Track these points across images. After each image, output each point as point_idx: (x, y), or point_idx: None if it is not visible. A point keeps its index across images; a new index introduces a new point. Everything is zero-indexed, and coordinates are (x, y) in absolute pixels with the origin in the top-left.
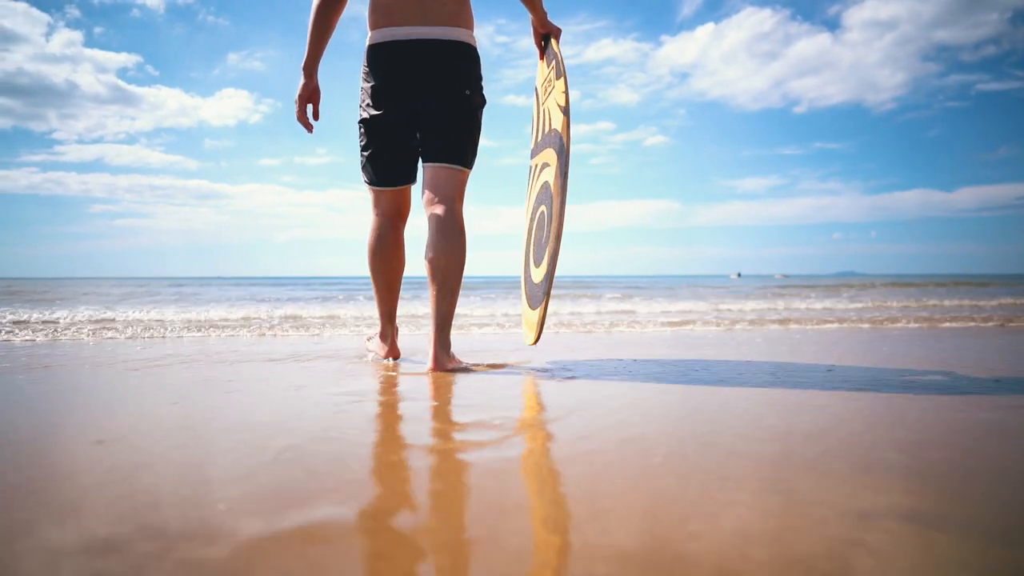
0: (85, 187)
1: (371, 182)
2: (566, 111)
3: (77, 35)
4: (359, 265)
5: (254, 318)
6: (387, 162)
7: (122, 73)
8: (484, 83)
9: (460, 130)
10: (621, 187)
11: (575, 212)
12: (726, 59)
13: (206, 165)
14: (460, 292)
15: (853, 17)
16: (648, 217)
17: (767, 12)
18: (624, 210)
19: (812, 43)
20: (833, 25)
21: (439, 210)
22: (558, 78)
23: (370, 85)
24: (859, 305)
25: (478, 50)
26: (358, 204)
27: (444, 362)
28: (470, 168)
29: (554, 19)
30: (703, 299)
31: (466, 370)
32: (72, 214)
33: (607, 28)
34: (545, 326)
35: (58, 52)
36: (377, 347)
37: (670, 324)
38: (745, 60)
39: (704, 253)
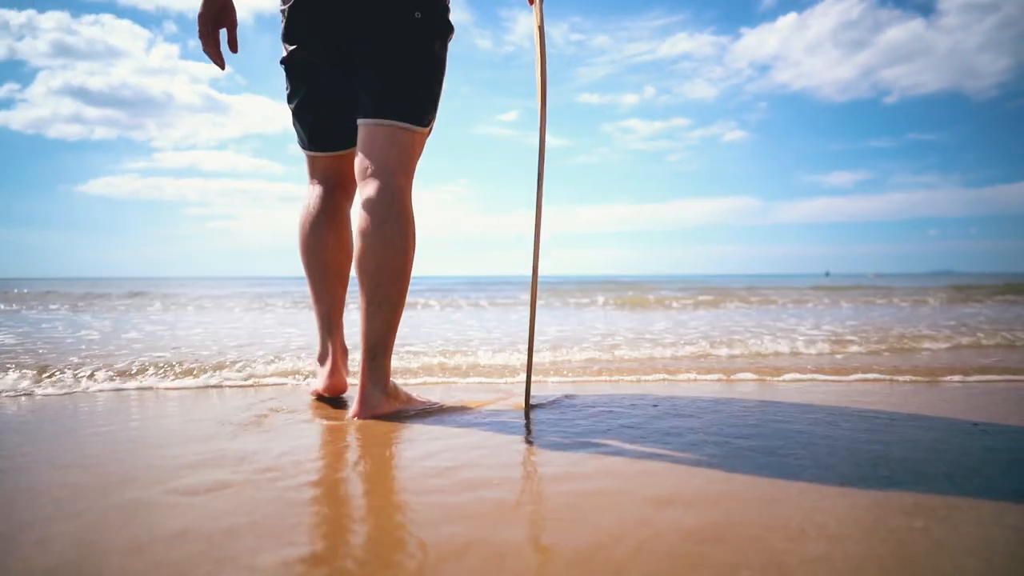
0: (180, 192)
1: (301, 144)
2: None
3: (174, 48)
4: (433, 267)
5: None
6: (320, 117)
7: (214, 83)
8: (451, 4)
9: (405, 70)
10: (698, 184)
11: (648, 211)
12: (810, 49)
13: (290, 169)
14: (406, 305)
15: (949, 1)
16: (727, 215)
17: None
18: (701, 208)
19: (904, 29)
20: (927, 10)
21: (371, 188)
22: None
23: (286, 6)
24: None
25: None
26: (435, 203)
27: (376, 404)
28: (424, 127)
29: (630, 14)
30: (806, 310)
31: (412, 414)
32: (168, 217)
33: (683, 22)
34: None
35: (157, 65)
36: (318, 375)
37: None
38: (830, 50)
39: (789, 251)
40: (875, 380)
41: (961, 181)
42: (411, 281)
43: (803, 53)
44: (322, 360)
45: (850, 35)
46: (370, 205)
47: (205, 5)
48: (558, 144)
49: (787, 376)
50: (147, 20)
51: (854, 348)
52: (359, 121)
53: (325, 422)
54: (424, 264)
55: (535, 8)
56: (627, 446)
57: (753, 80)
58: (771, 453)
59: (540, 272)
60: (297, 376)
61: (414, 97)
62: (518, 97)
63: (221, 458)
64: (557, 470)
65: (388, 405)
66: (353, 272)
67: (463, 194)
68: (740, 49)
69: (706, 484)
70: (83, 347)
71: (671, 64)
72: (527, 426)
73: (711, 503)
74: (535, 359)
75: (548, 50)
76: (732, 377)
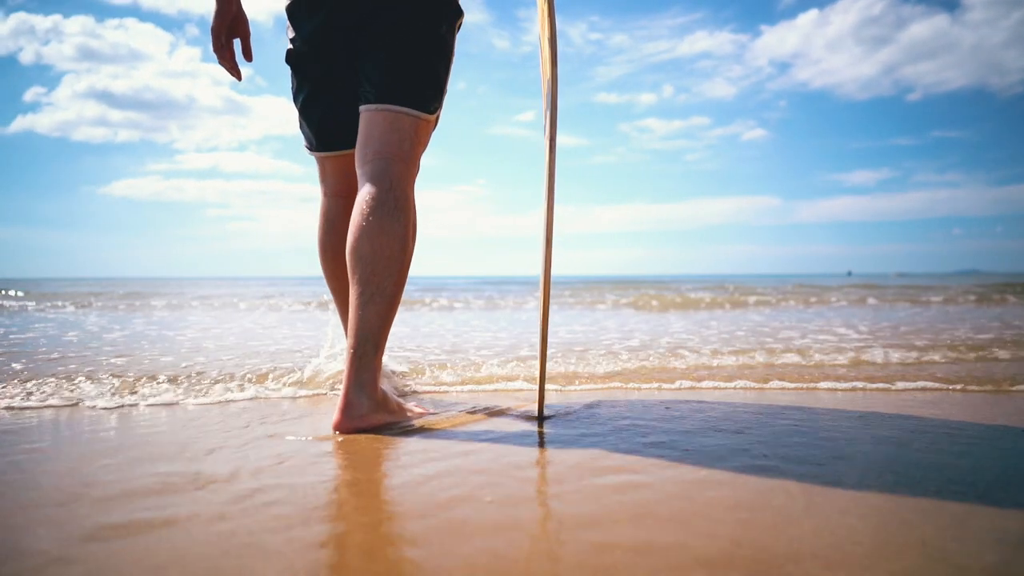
0: (201, 193)
1: (309, 147)
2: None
3: (196, 51)
4: (447, 266)
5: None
6: (326, 114)
7: (235, 86)
8: (469, 4)
9: (408, 53)
10: (717, 183)
11: (666, 211)
12: (831, 46)
13: (309, 170)
14: (402, 298)
15: None
16: (746, 214)
17: None
18: (720, 207)
19: (927, 25)
20: (951, 5)
21: (369, 173)
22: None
23: (289, 1)
24: None
25: None
26: (459, 204)
27: (360, 414)
28: (429, 113)
29: (648, 13)
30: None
31: (403, 428)
32: (189, 218)
33: (702, 20)
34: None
35: (179, 68)
36: None
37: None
38: (852, 47)
39: (810, 251)
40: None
41: (986, 179)
42: (428, 282)
43: (824, 50)
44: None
45: (872, 31)
46: (367, 190)
47: (217, 18)
48: (575, 144)
49: (846, 384)
50: (169, 23)
51: (931, 355)
52: (360, 108)
53: (294, 438)
54: (439, 264)
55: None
56: (662, 472)
57: (773, 78)
58: (867, 486)
59: (557, 272)
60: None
61: (418, 81)
62: (535, 97)
63: (165, 484)
64: (577, 510)
65: (375, 416)
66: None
67: (480, 194)
68: (760, 47)
69: (775, 530)
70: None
71: (690, 63)
72: (540, 443)
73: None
74: (551, 365)
75: (565, 50)
76: (780, 385)
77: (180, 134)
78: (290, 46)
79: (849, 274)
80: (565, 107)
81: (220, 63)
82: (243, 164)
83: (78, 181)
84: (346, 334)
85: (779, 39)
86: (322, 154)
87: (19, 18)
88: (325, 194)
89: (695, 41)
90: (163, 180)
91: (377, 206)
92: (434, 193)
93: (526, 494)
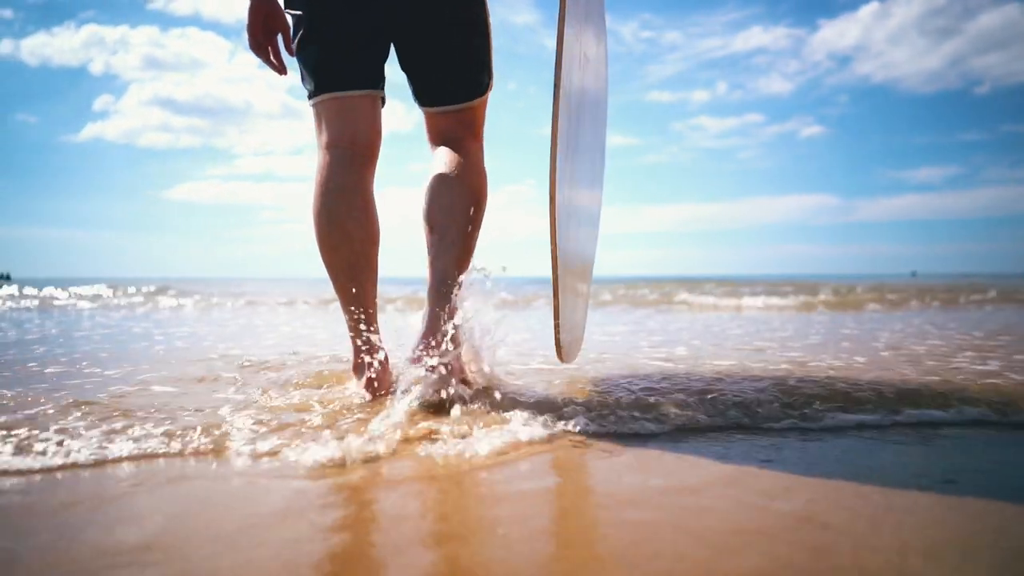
0: (256, 196)
1: (310, 91)
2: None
3: (253, 58)
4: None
5: None
6: (328, 50)
7: (292, 91)
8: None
9: (467, 48)
10: (772, 182)
11: (718, 210)
12: (894, 39)
13: None
14: (477, 246)
15: None
16: (803, 213)
17: None
18: (775, 206)
19: (997, 15)
20: None
21: (443, 151)
22: None
23: None
24: None
25: None
26: (509, 204)
27: (439, 328)
28: (486, 94)
29: (702, 9)
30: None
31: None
32: (245, 221)
33: (757, 16)
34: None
35: (238, 74)
36: (354, 388)
37: None
38: (916, 39)
39: (871, 250)
40: None
41: None
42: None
43: (886, 43)
44: (356, 371)
45: (937, 23)
46: (443, 153)
47: (251, 15)
48: (625, 143)
49: None
50: (228, 31)
51: None
52: (424, 108)
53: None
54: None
55: None
56: None
57: (832, 73)
58: None
59: (608, 271)
60: None
61: (471, 74)
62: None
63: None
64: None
65: (459, 366)
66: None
67: (529, 194)
68: (818, 41)
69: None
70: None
71: (744, 59)
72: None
73: None
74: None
75: (616, 49)
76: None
77: (238, 139)
78: None
79: (914, 274)
80: (615, 106)
81: (262, 61)
82: (297, 167)
83: (142, 185)
84: (346, 308)
85: (838, 32)
86: (322, 96)
87: (90, 30)
88: (328, 147)
89: (750, 37)
90: (221, 183)
91: (456, 167)
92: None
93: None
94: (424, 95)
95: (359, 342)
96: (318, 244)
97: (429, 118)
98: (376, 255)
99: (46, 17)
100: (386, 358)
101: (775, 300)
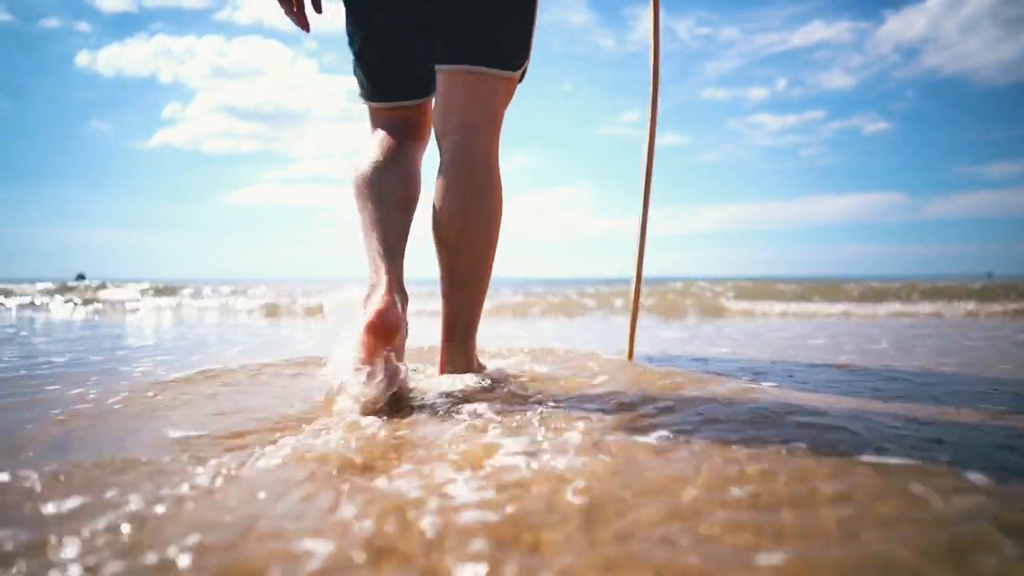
0: (313, 198)
1: (364, 95)
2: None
3: (313, 64)
4: (549, 269)
5: None
6: (386, 62)
7: (350, 95)
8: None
9: (511, 14)
10: (835, 180)
11: (777, 209)
12: (965, 29)
13: None
14: (490, 283)
15: None
16: (869, 211)
17: None
18: (837, 205)
19: None
20: None
21: (451, 150)
22: None
23: None
24: None
25: None
26: (562, 207)
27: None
28: (515, 71)
29: (760, 5)
30: None
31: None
32: (301, 223)
33: (818, 9)
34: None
35: (297, 80)
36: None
37: None
38: (989, 28)
39: (942, 250)
40: None
41: None
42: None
43: (957, 34)
44: (368, 302)
45: (1012, 11)
46: (450, 171)
47: None
48: (677, 142)
49: None
50: (289, 39)
51: None
52: (437, 68)
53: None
54: (540, 266)
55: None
56: None
57: (898, 67)
58: None
59: (662, 272)
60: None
61: (502, 36)
62: (640, 97)
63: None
64: None
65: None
66: (432, 244)
67: (582, 196)
68: (883, 34)
69: None
70: None
71: (805, 54)
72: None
73: None
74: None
75: (670, 46)
76: None
77: (296, 143)
78: None
79: (990, 275)
80: (669, 105)
81: (287, 15)
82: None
83: (206, 189)
84: (369, 236)
85: (905, 24)
86: (378, 104)
87: (159, 41)
88: (376, 130)
89: (810, 31)
90: (280, 186)
91: (463, 189)
92: (536, 195)
93: None
94: (449, 48)
95: (376, 263)
96: (354, 192)
97: (447, 83)
98: (409, 207)
99: (120, 29)
100: (404, 299)
101: (906, 307)
